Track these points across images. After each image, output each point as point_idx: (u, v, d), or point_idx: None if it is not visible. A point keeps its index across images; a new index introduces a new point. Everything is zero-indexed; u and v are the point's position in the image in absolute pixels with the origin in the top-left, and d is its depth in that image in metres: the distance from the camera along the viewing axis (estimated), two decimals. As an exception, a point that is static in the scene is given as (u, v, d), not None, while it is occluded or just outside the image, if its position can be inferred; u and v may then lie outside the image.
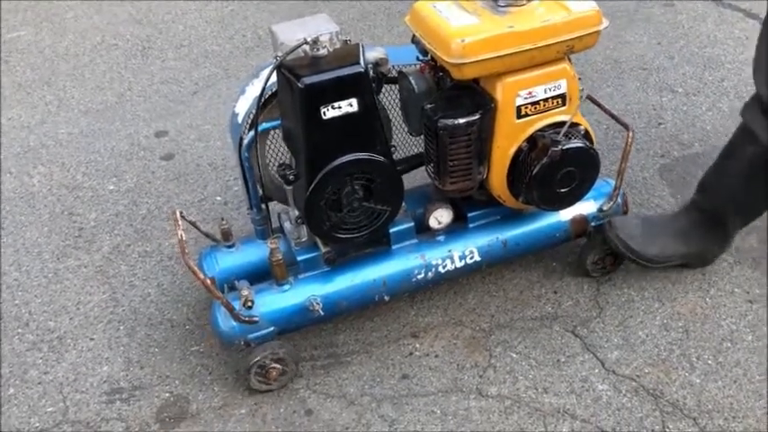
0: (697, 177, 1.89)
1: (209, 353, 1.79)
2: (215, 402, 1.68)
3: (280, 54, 1.42)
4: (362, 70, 1.42)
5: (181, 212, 1.63)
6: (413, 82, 1.61)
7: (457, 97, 1.57)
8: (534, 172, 1.56)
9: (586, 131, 1.63)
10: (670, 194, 2.18)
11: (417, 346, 1.78)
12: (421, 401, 1.65)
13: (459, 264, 1.73)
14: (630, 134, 1.73)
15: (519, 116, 1.56)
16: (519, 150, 1.59)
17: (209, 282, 1.53)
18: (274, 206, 1.73)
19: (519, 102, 1.55)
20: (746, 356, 1.71)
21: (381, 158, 1.52)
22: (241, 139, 1.59)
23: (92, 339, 1.85)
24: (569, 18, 1.50)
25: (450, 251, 1.72)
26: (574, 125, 1.60)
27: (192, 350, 1.80)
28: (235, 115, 1.64)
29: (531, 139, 1.58)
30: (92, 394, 1.71)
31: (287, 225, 1.72)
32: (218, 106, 2.74)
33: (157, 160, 2.47)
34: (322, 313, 1.62)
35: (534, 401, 1.63)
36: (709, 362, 1.70)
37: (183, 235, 1.55)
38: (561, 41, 1.50)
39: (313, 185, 1.48)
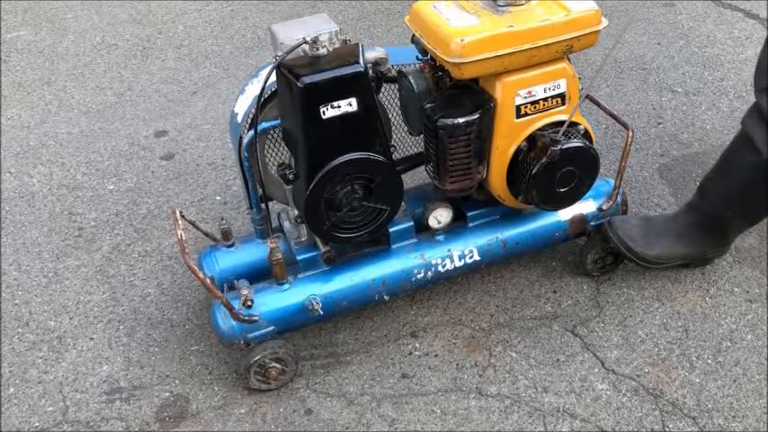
0: (696, 177, 1.90)
1: (208, 352, 1.79)
2: (215, 402, 1.68)
3: (279, 54, 1.42)
4: (362, 70, 1.43)
5: (180, 212, 1.63)
6: (412, 81, 1.61)
7: (456, 97, 1.58)
8: (534, 171, 1.56)
9: (586, 131, 1.63)
10: (669, 194, 2.18)
11: (417, 345, 1.78)
12: (421, 401, 1.65)
13: (458, 263, 1.73)
14: (630, 134, 1.73)
15: (518, 115, 1.56)
16: (518, 150, 1.59)
17: (208, 281, 1.53)
18: (274, 206, 1.73)
19: (518, 101, 1.55)
20: (746, 356, 1.71)
21: (381, 158, 1.52)
22: (241, 138, 1.59)
23: (92, 339, 1.85)
24: (568, 18, 1.50)
25: (449, 250, 1.72)
26: (573, 124, 1.60)
27: (192, 350, 1.80)
28: (234, 115, 1.64)
29: (531, 139, 1.59)
30: (92, 394, 1.71)
31: (286, 224, 1.72)
32: (217, 106, 2.74)
33: (157, 160, 2.47)
34: (321, 312, 1.62)
35: (534, 401, 1.63)
36: (709, 361, 1.70)
37: (183, 234, 1.55)
38: (560, 41, 1.50)
39: (312, 185, 1.48)
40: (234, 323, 1.58)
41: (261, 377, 1.65)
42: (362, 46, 1.48)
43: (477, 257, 1.75)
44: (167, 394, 1.70)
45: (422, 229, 1.73)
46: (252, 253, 1.74)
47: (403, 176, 1.61)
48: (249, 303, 1.56)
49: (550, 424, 1.59)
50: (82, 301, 1.96)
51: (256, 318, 1.57)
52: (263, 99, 1.50)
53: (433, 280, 1.74)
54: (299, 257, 1.67)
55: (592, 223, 1.84)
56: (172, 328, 1.86)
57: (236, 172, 2.04)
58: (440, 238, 1.74)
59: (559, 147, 1.53)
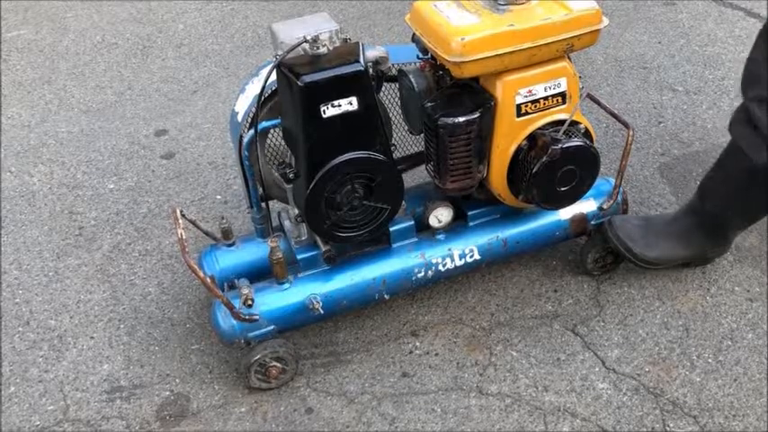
0: (697, 176, 1.90)
1: (209, 351, 1.79)
2: (215, 401, 1.68)
3: (279, 52, 1.42)
4: (362, 69, 1.42)
5: (181, 211, 1.63)
6: (413, 80, 1.61)
7: (457, 96, 1.57)
8: (534, 170, 1.56)
9: (586, 130, 1.62)
10: (670, 193, 2.18)
11: (417, 344, 1.78)
12: (421, 400, 1.65)
13: (459, 262, 1.73)
14: (631, 133, 1.73)
15: (519, 114, 1.56)
16: (519, 149, 1.59)
17: (209, 280, 1.53)
18: (274, 205, 1.73)
19: (519, 100, 1.55)
20: (747, 355, 1.71)
21: (381, 157, 1.52)
22: (241, 137, 1.59)
23: (92, 338, 1.85)
24: (569, 17, 1.50)
25: (450, 250, 1.72)
26: (574, 123, 1.60)
27: (193, 348, 1.80)
28: (235, 114, 1.64)
29: (531, 138, 1.58)
30: (92, 393, 1.71)
31: (287, 224, 1.72)
32: (218, 105, 2.74)
33: (158, 159, 2.47)
34: (322, 312, 1.62)
35: (534, 400, 1.63)
36: (710, 360, 1.70)
37: (183, 233, 1.55)
38: (561, 40, 1.50)
39: (313, 184, 1.48)
40: (234, 322, 1.58)
41: (261, 376, 1.65)
42: (363, 45, 1.48)
43: (477, 256, 1.75)
44: (168, 393, 1.70)
45: (422, 228, 1.73)
46: (252, 252, 1.74)
47: (403, 175, 1.61)
48: (249, 302, 1.56)
49: (551, 423, 1.59)
50: (82, 299, 1.96)
51: (257, 317, 1.57)
52: (263, 98, 1.50)
53: (434, 279, 1.74)
54: (299, 257, 1.67)
55: (592, 222, 1.84)
56: (172, 327, 1.86)
57: (237, 171, 2.04)
58: (440, 237, 1.74)
59: (560, 146, 1.53)
